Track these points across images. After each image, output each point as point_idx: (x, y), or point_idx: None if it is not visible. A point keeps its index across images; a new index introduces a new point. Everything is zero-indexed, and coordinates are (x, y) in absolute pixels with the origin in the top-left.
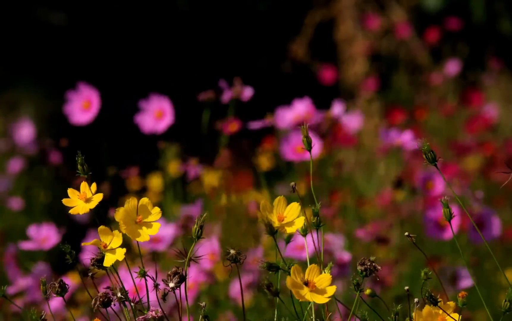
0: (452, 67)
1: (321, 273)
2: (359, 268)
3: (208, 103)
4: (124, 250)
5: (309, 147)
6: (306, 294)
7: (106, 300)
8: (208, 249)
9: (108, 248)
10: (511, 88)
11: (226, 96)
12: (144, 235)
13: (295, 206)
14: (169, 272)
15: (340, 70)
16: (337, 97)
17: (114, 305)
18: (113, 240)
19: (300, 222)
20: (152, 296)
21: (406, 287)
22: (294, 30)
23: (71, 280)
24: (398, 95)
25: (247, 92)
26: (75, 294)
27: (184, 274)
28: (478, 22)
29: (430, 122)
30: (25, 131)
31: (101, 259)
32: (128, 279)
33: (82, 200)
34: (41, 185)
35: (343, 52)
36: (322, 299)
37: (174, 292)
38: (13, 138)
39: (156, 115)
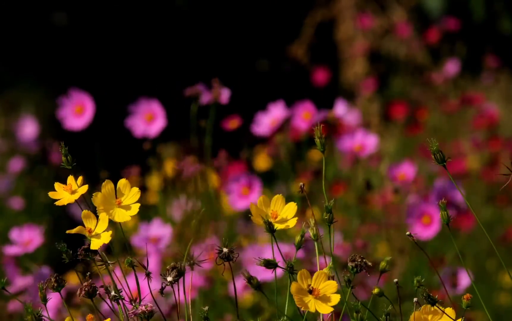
0: (452, 67)
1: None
2: (350, 264)
3: (195, 99)
4: (109, 233)
5: (322, 148)
6: (310, 301)
7: (91, 290)
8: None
9: (93, 233)
10: (511, 87)
11: (205, 99)
12: (124, 216)
13: (292, 206)
14: (168, 267)
15: (340, 70)
16: (336, 97)
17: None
18: (98, 225)
19: (292, 222)
20: (152, 297)
21: (395, 280)
22: (294, 31)
23: (71, 281)
24: (398, 95)
25: (225, 94)
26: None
27: (182, 269)
28: (478, 21)
29: (430, 121)
30: (28, 129)
31: (89, 248)
32: (128, 281)
33: (68, 191)
34: (42, 185)
35: (343, 52)
36: (326, 309)
37: (172, 287)
38: (14, 137)
39: (146, 118)
